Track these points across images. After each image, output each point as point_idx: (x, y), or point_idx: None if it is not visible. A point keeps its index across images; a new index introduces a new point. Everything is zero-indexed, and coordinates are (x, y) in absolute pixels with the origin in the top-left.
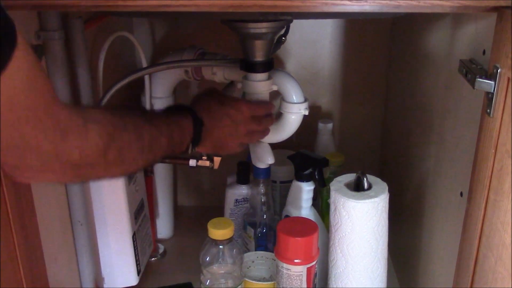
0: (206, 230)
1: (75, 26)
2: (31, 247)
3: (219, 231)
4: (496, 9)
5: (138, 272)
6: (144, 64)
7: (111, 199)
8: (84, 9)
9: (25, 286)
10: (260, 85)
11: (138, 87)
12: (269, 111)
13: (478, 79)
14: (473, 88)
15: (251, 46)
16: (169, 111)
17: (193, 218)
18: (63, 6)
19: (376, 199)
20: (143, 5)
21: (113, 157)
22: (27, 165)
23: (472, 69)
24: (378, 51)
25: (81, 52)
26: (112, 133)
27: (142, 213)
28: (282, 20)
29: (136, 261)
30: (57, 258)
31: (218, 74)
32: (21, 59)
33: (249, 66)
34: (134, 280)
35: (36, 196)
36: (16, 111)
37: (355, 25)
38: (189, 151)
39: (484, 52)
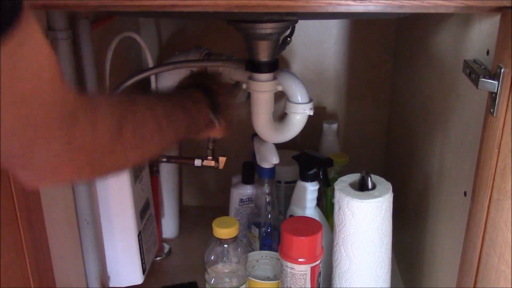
0: (211, 230)
1: (82, 26)
2: (38, 245)
3: (223, 230)
4: (500, 9)
5: (143, 271)
6: (151, 65)
7: (117, 198)
8: (91, 9)
9: (32, 284)
10: (265, 85)
11: (144, 87)
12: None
13: (482, 79)
14: (477, 88)
15: (256, 46)
16: (177, 91)
17: (198, 218)
18: (70, 6)
19: (380, 199)
20: (149, 5)
21: (128, 137)
22: (37, 160)
23: (476, 69)
24: (383, 51)
25: (88, 52)
26: (123, 111)
27: (147, 212)
28: (287, 20)
29: (141, 260)
30: (64, 257)
31: (224, 74)
32: (28, 33)
33: (254, 67)
34: (139, 279)
35: (43, 195)
36: (19, 84)
37: (360, 26)
38: (215, 120)
39: (488, 52)
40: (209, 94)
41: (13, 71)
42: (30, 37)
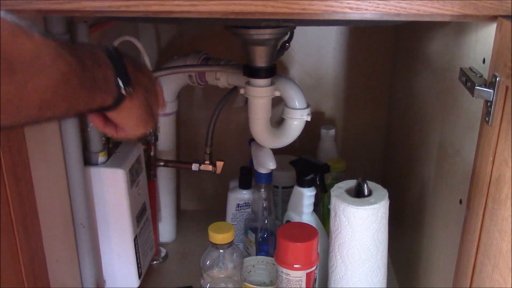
0: (208, 234)
1: (80, 30)
2: (33, 248)
3: (219, 235)
4: (495, 18)
5: (139, 275)
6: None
7: (113, 202)
8: (88, 14)
9: (26, 287)
10: (262, 90)
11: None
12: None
13: (477, 88)
14: (473, 96)
15: (254, 52)
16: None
17: (195, 222)
18: (67, 11)
19: (376, 206)
20: (146, 10)
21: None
22: None
23: (472, 78)
24: (382, 58)
25: None
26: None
27: (144, 217)
28: (285, 26)
29: (138, 264)
30: (59, 260)
31: (222, 79)
32: None
33: (252, 72)
34: (135, 282)
35: (39, 198)
36: None
37: (359, 32)
38: (124, 92)
39: (484, 61)
40: (114, 54)
41: None
42: None
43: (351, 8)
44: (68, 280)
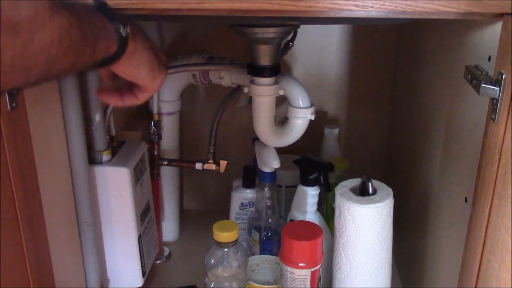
0: (211, 234)
1: None
2: (39, 247)
3: (224, 234)
4: (501, 15)
5: (143, 274)
6: None
7: (117, 201)
8: None
9: (31, 285)
10: (267, 89)
11: None
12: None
13: (483, 85)
14: (478, 94)
15: (258, 50)
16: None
17: (199, 222)
18: None
19: (381, 204)
20: (152, 8)
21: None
22: None
23: (477, 75)
24: (385, 57)
25: None
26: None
27: (148, 216)
28: (290, 25)
29: (141, 263)
30: (64, 259)
31: (225, 78)
32: None
33: (256, 71)
34: (139, 282)
35: (43, 196)
36: None
37: (362, 31)
38: (122, 32)
39: (489, 59)
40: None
41: None
42: None
43: (357, 5)
44: (72, 279)
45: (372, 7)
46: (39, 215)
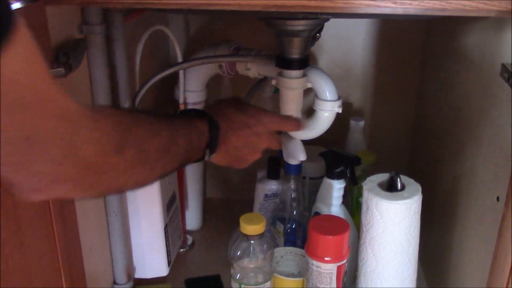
0: (234, 223)
1: (116, 20)
2: (70, 236)
3: (251, 227)
4: None
5: (169, 263)
6: (180, 59)
7: (144, 191)
8: (128, 6)
9: (62, 273)
10: (295, 82)
11: (171, 80)
12: (297, 129)
13: None
14: None
15: (288, 43)
16: (185, 114)
17: (222, 211)
18: (107, 2)
19: (409, 201)
20: (187, 3)
21: (131, 153)
22: (34, 170)
23: None
24: (412, 49)
25: (121, 46)
26: (126, 126)
27: (173, 205)
28: (322, 18)
29: (167, 252)
30: (92, 248)
31: (252, 69)
32: (21, 44)
33: (285, 63)
34: (164, 270)
35: None
36: (15, 92)
37: (389, 23)
38: (206, 157)
39: None
40: (213, 125)
41: (8, 79)
42: (24, 48)
43: (394, 2)
44: (100, 268)
45: (410, 4)
46: (70, 206)
